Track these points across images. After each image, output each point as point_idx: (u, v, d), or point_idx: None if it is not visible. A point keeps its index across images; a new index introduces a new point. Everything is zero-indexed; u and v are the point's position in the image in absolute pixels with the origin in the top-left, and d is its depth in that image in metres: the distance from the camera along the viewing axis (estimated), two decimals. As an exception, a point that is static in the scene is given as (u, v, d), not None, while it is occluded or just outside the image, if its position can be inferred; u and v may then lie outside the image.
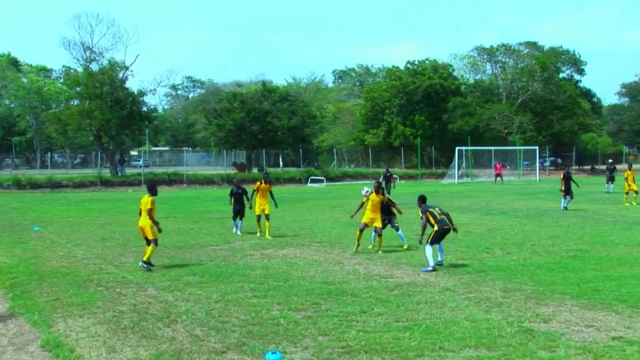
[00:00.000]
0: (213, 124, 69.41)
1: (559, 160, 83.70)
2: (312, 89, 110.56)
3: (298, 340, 9.35)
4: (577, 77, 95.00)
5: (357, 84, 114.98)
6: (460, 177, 61.36)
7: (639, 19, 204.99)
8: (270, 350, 8.74)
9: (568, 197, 30.03)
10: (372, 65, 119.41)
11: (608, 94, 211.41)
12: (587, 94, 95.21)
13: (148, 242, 15.51)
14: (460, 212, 29.23)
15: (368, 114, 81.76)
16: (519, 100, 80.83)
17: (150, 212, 15.33)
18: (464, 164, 65.38)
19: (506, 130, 77.66)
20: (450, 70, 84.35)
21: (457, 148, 61.65)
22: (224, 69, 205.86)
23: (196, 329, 10.03)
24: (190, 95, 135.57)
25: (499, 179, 57.50)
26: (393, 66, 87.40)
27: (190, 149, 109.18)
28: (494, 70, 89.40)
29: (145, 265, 15.13)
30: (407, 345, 9.05)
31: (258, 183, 21.53)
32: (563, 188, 30.13)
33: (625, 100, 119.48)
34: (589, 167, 77.25)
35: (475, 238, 20.22)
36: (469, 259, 16.16)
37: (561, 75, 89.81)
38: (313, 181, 56.30)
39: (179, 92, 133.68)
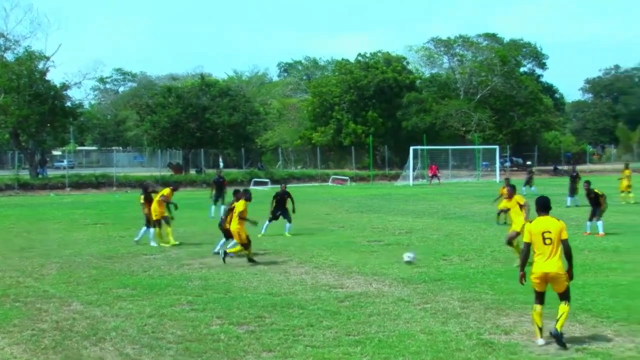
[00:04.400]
0: (146, 121, 68.69)
1: (521, 160, 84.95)
2: (255, 83, 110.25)
3: (240, 357, 9.33)
4: (538, 71, 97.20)
5: (304, 77, 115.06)
6: (415, 178, 61.89)
7: (600, 10, 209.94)
8: (209, 369, 8.69)
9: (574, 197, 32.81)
10: (320, 58, 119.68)
11: (571, 89, 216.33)
12: (549, 90, 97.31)
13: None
14: (416, 216, 29.51)
15: (316, 111, 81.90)
16: (478, 96, 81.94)
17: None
18: (419, 165, 65.99)
19: (464, 128, 78.68)
20: (405, 63, 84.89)
21: (412, 147, 62.15)
22: (158, 60, 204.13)
23: (127, 347, 9.91)
24: (121, 89, 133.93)
25: (434, 180, 58.86)
26: (343, 59, 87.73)
27: (120, 148, 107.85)
28: (452, 63, 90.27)
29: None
30: (359, 360, 9.10)
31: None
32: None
33: (589, 96, 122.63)
34: (551, 167, 78.55)
35: (432, 244, 20.44)
36: (424, 267, 16.31)
37: (522, 69, 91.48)
38: (256, 184, 56.09)
39: (107, 85, 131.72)
